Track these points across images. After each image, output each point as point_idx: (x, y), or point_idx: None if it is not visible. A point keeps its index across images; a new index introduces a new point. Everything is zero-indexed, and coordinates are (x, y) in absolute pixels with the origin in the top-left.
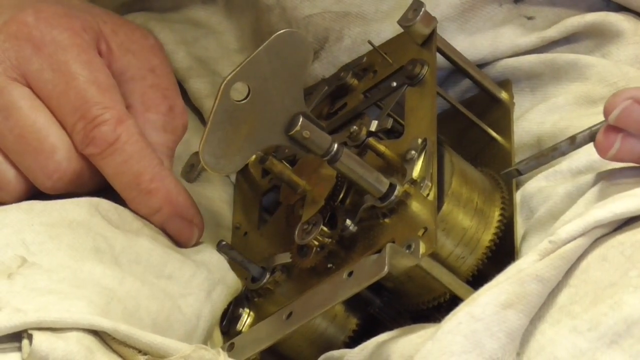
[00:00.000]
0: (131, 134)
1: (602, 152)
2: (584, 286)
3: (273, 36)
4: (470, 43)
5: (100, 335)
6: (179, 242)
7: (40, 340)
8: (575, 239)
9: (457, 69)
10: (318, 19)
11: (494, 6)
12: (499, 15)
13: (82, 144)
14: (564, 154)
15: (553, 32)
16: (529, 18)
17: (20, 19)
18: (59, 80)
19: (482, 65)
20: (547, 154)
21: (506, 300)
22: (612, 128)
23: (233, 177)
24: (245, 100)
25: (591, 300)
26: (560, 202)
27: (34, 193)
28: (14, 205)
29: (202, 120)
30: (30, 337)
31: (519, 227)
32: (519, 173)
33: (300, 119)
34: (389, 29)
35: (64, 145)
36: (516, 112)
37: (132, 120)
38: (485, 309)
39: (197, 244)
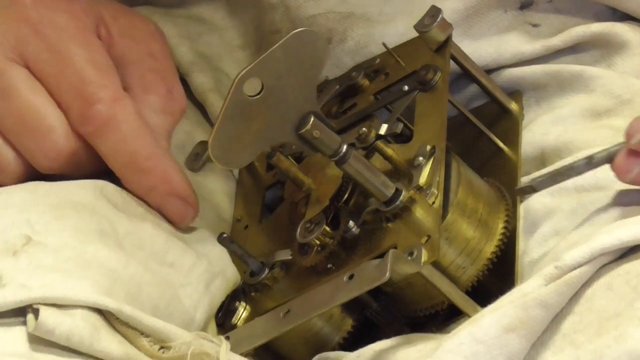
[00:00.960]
0: (127, 113)
1: (620, 174)
2: (588, 314)
3: (290, 34)
4: (474, 49)
5: (104, 314)
6: (173, 221)
7: (47, 314)
8: (581, 265)
9: (469, 77)
10: (322, 19)
11: (499, 12)
12: (504, 22)
13: (78, 123)
14: (580, 173)
15: (558, 40)
16: (534, 25)
17: (18, 1)
18: (56, 60)
19: (486, 71)
20: (564, 172)
21: (509, 324)
22: (633, 152)
23: (236, 171)
24: (258, 96)
25: (595, 330)
26: (564, 219)
27: (34, 175)
28: (19, 186)
29: (205, 113)
30: (35, 312)
31: (522, 241)
32: (534, 190)
33: (312, 119)
34: (392, 32)
35: (61, 125)
36: None
37: (129, 99)
38: (487, 332)
39: (199, 233)
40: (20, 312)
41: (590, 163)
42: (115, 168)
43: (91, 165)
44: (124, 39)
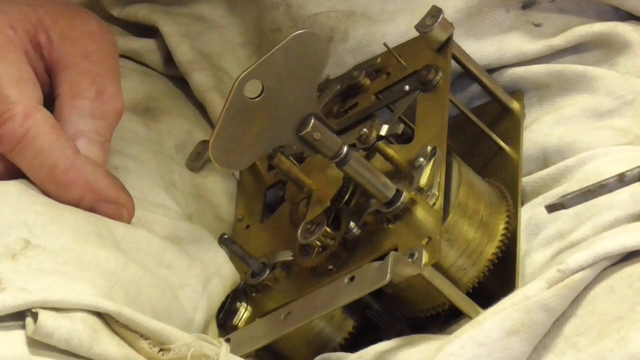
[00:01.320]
0: (40, 127)
1: None
2: (590, 317)
3: (291, 36)
4: (476, 48)
5: (103, 317)
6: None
7: (46, 317)
8: (584, 269)
9: (470, 76)
10: (323, 18)
11: (501, 12)
12: (506, 22)
13: None
14: (611, 191)
15: (560, 40)
16: (537, 25)
17: None
18: None
19: (488, 71)
20: (595, 190)
21: (511, 327)
22: None
23: (237, 172)
24: (258, 98)
25: (597, 334)
26: (568, 221)
27: None
28: (10, 182)
29: (205, 113)
30: (34, 316)
31: (524, 242)
32: (563, 207)
33: (312, 120)
34: (394, 31)
35: None
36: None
37: (42, 112)
38: (489, 335)
39: (194, 234)
40: (19, 316)
41: (622, 181)
42: (39, 184)
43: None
44: (63, 43)
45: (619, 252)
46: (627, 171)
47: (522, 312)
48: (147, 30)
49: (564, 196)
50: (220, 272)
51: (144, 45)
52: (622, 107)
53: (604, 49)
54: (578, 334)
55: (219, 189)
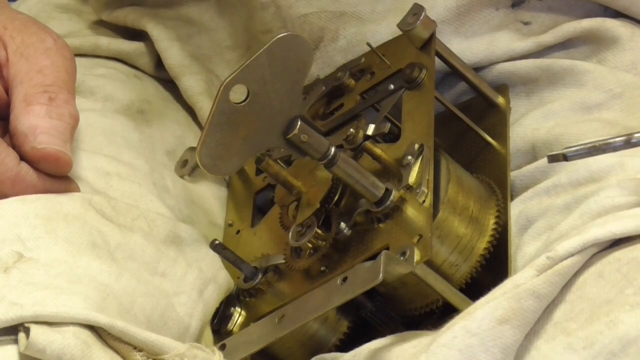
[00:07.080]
0: None
1: None
2: (579, 302)
3: (274, 39)
4: (466, 47)
5: (96, 330)
6: None
7: (38, 333)
8: (572, 255)
9: (455, 73)
10: (313, 18)
11: (491, 10)
12: (495, 20)
13: None
14: (616, 150)
15: (549, 37)
16: (526, 23)
17: None
18: None
19: (477, 69)
20: (600, 147)
21: (502, 315)
22: None
23: (227, 175)
24: (244, 103)
25: (587, 318)
26: (558, 213)
27: None
28: (7, 199)
29: (195, 117)
30: (26, 331)
31: (514, 236)
32: (565, 158)
33: (299, 123)
34: (384, 30)
35: None
36: (511, 117)
37: None
38: (481, 324)
39: (189, 239)
40: (12, 330)
41: (629, 142)
42: None
43: None
44: (18, 60)
45: (608, 239)
46: (635, 133)
47: (513, 300)
48: (138, 33)
49: (567, 147)
50: (216, 278)
51: (135, 49)
52: (610, 101)
53: (593, 45)
54: (568, 319)
55: (210, 194)
